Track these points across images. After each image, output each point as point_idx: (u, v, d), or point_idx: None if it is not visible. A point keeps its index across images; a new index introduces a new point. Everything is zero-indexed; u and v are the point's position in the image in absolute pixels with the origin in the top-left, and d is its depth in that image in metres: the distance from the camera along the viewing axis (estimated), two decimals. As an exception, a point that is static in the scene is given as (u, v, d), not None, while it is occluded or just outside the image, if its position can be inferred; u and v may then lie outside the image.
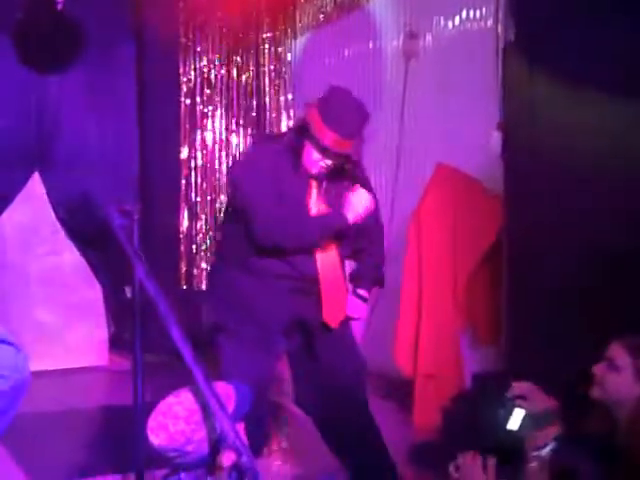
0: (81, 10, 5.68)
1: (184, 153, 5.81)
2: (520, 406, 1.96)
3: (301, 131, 2.98)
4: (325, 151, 2.90)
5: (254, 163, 3.12)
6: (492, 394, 2.11)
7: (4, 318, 4.73)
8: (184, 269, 5.81)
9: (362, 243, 3.16)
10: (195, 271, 5.81)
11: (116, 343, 5.52)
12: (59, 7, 5.80)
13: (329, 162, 2.93)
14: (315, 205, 3.05)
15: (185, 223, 5.80)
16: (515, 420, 1.95)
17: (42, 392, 3.76)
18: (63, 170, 5.51)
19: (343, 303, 3.13)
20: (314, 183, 3.04)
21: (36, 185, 5.44)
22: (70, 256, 5.49)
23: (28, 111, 5.52)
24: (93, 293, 5.54)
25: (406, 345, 4.04)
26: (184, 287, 5.81)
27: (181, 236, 5.78)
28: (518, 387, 2.01)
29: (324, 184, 3.05)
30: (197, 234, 5.81)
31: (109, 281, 5.52)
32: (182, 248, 5.77)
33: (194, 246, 5.78)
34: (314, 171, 2.97)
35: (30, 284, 5.46)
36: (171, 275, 5.69)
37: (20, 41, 5.35)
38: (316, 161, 2.93)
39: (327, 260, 3.07)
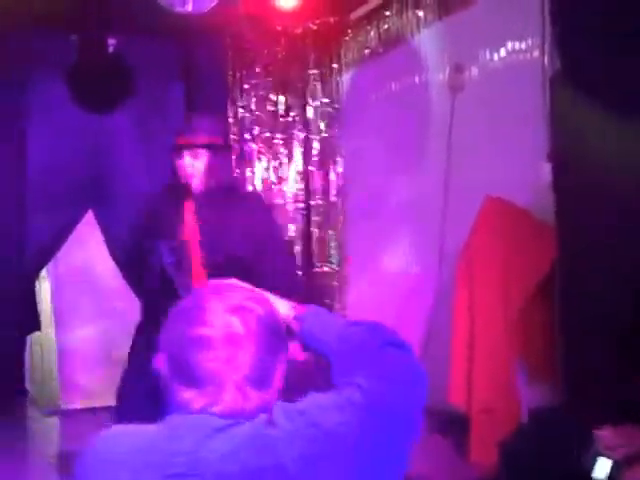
0: (132, 53, 5.82)
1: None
2: (606, 455, 1.89)
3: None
4: (180, 147, 3.01)
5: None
6: (554, 432, 2.07)
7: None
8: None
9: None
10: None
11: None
12: (110, 50, 5.95)
13: (193, 161, 2.99)
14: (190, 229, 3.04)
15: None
16: (601, 469, 1.88)
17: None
18: (116, 208, 5.60)
19: None
20: (189, 204, 3.06)
21: (90, 224, 5.54)
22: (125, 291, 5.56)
23: (81, 150, 5.64)
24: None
25: (460, 381, 3.99)
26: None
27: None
28: (602, 436, 1.94)
29: (202, 203, 3.04)
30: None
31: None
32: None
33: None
34: (183, 181, 3.02)
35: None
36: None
37: (74, 83, 5.50)
38: (181, 168, 3.02)
39: None
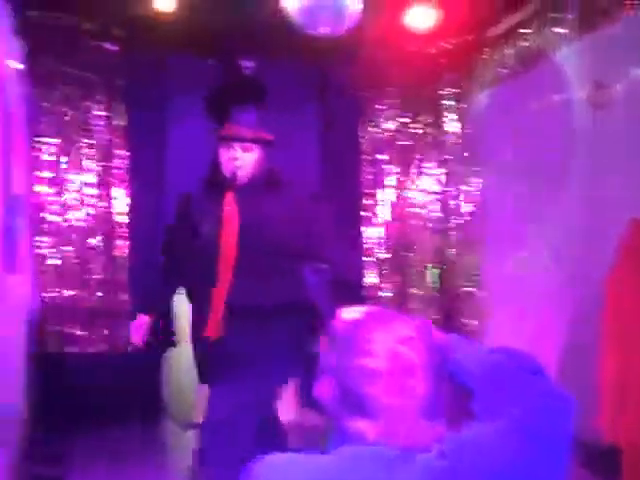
0: (268, 75, 5.93)
1: (366, 210, 5.84)
2: None
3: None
4: (228, 138, 2.98)
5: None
6: None
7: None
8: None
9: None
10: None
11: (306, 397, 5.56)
12: (246, 72, 6.08)
13: (240, 155, 2.97)
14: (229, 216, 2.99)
15: (373, 280, 5.80)
16: None
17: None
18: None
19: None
20: (231, 194, 3.01)
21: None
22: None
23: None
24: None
25: (610, 411, 3.82)
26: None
27: (367, 292, 5.77)
28: None
29: (243, 194, 2.99)
30: (382, 290, 5.79)
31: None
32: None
33: (380, 304, 5.75)
34: (228, 173, 2.99)
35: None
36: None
37: (211, 105, 5.65)
38: (228, 160, 3.00)
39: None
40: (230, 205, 3.01)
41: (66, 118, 5.29)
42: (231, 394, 3.01)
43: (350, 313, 1.44)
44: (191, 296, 3.23)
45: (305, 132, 6.12)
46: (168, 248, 3.34)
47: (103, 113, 5.38)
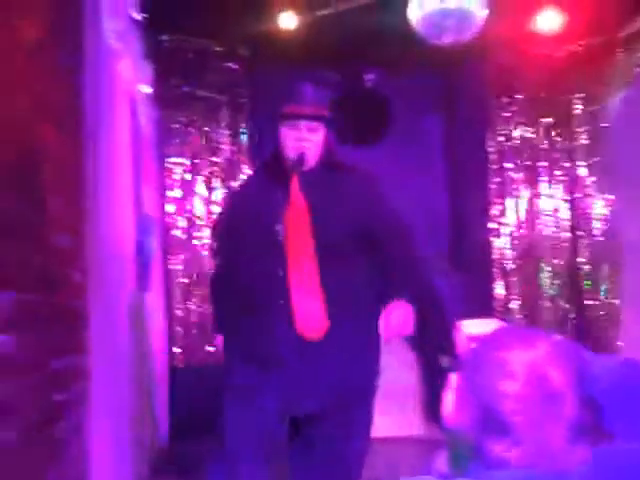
0: (389, 86, 5.90)
1: (494, 220, 5.71)
2: None
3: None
4: (297, 116, 2.70)
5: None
6: None
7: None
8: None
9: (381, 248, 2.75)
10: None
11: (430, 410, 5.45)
12: (368, 84, 6.07)
13: (309, 135, 2.69)
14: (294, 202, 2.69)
15: (500, 291, 5.66)
16: None
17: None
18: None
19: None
20: (295, 180, 2.71)
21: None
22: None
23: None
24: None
25: None
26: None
27: (495, 304, 5.64)
28: None
29: (310, 176, 2.71)
30: (511, 301, 5.64)
31: (425, 349, 5.50)
32: (496, 318, 5.61)
33: (509, 315, 5.60)
34: (294, 155, 2.70)
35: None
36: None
37: (333, 117, 5.67)
38: (294, 140, 2.70)
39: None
40: (297, 191, 2.74)
41: (193, 138, 5.40)
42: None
43: (477, 327, 1.39)
44: (252, 304, 2.75)
45: (429, 142, 6.04)
46: (222, 251, 2.94)
47: (228, 132, 5.47)
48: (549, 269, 5.56)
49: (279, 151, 2.77)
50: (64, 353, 2.10)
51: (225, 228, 2.90)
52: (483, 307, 5.60)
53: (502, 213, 5.68)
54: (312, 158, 2.75)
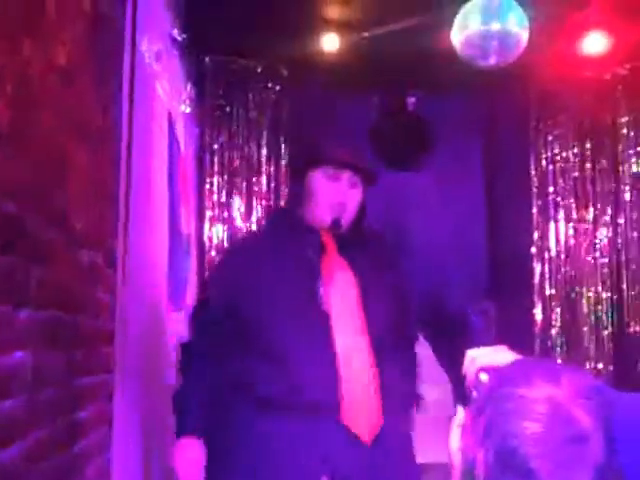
0: (431, 109, 5.86)
1: (535, 246, 5.61)
2: None
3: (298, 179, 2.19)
4: (344, 165, 2.10)
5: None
6: None
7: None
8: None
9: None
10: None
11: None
12: (410, 108, 6.04)
13: (348, 190, 2.13)
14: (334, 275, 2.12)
15: (539, 317, 5.55)
16: None
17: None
18: (412, 266, 5.57)
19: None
20: (330, 241, 2.13)
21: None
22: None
23: (380, 206, 5.71)
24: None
25: None
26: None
27: (535, 330, 5.53)
28: None
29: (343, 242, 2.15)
30: (551, 328, 5.52)
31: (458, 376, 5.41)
32: (536, 345, 5.50)
33: (549, 342, 5.49)
34: (330, 217, 2.12)
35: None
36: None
37: (375, 140, 5.64)
38: (334, 194, 2.12)
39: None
40: (335, 259, 2.22)
41: (233, 158, 5.41)
42: None
43: (488, 357, 1.29)
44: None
45: (469, 166, 5.98)
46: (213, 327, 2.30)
47: (268, 152, 5.47)
48: (590, 295, 5.44)
49: (308, 204, 2.22)
50: (87, 372, 2.09)
51: (236, 284, 2.25)
52: (523, 333, 5.50)
53: (543, 237, 5.58)
54: (347, 220, 2.24)
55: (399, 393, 2.22)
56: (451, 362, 2.25)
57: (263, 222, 2.34)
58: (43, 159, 1.68)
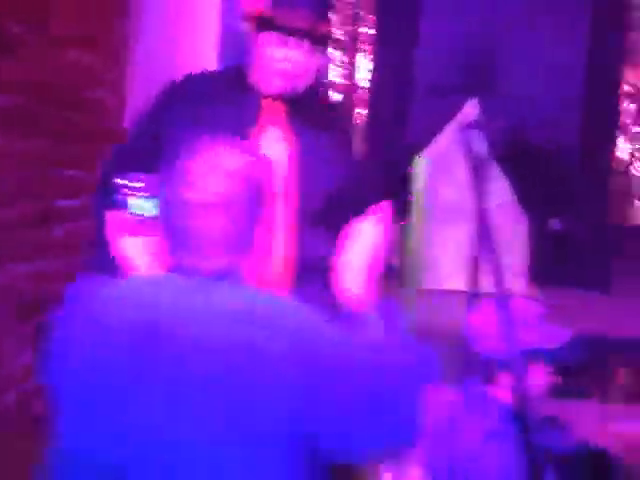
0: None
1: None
2: None
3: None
4: (277, 27, 1.85)
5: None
6: None
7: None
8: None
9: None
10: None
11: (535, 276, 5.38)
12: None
13: (297, 55, 1.89)
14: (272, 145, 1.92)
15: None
16: None
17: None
18: (503, 97, 5.44)
19: None
20: (273, 108, 1.94)
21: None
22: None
23: (473, 36, 5.57)
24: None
25: None
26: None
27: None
28: None
29: (289, 113, 1.95)
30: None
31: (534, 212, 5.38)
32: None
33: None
34: (276, 84, 1.90)
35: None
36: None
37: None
38: (278, 59, 1.89)
39: None
40: (270, 125, 2.03)
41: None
42: None
43: None
44: None
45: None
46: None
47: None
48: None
49: (257, 67, 2.01)
50: (77, 166, 2.26)
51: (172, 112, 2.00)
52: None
53: None
54: (288, 85, 1.99)
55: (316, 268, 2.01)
56: None
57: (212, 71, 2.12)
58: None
